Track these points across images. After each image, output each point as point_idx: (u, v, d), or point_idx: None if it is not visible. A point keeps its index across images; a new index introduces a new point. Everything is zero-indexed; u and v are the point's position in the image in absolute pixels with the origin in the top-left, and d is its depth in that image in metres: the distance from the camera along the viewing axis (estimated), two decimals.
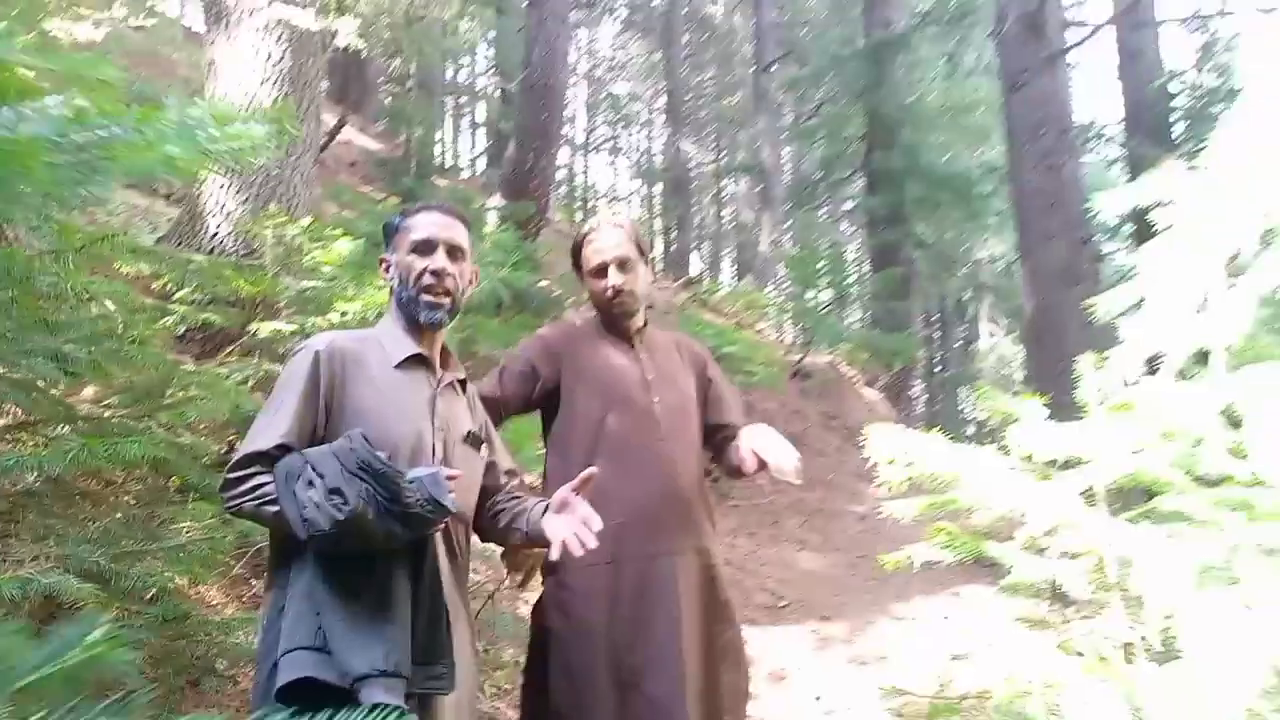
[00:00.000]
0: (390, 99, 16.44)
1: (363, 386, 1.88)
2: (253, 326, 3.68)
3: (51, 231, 2.26)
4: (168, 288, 4.16)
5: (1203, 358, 2.50)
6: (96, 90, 1.05)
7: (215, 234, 5.15)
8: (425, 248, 2.00)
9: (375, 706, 1.44)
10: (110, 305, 2.94)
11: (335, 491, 1.64)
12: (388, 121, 16.45)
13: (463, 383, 2.12)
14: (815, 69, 16.28)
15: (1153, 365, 2.50)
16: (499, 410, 2.45)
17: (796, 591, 6.52)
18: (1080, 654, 2.56)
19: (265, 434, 1.78)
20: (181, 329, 4.07)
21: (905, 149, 13.91)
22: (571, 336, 2.60)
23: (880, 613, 6.28)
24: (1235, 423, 2.45)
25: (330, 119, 13.57)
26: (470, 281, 2.11)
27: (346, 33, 6.83)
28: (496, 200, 11.07)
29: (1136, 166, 13.12)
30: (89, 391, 3.71)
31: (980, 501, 2.53)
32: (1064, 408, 2.77)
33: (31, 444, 2.47)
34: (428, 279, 1.98)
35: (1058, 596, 2.84)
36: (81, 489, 2.60)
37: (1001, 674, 2.40)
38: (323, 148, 12.42)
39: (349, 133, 14.87)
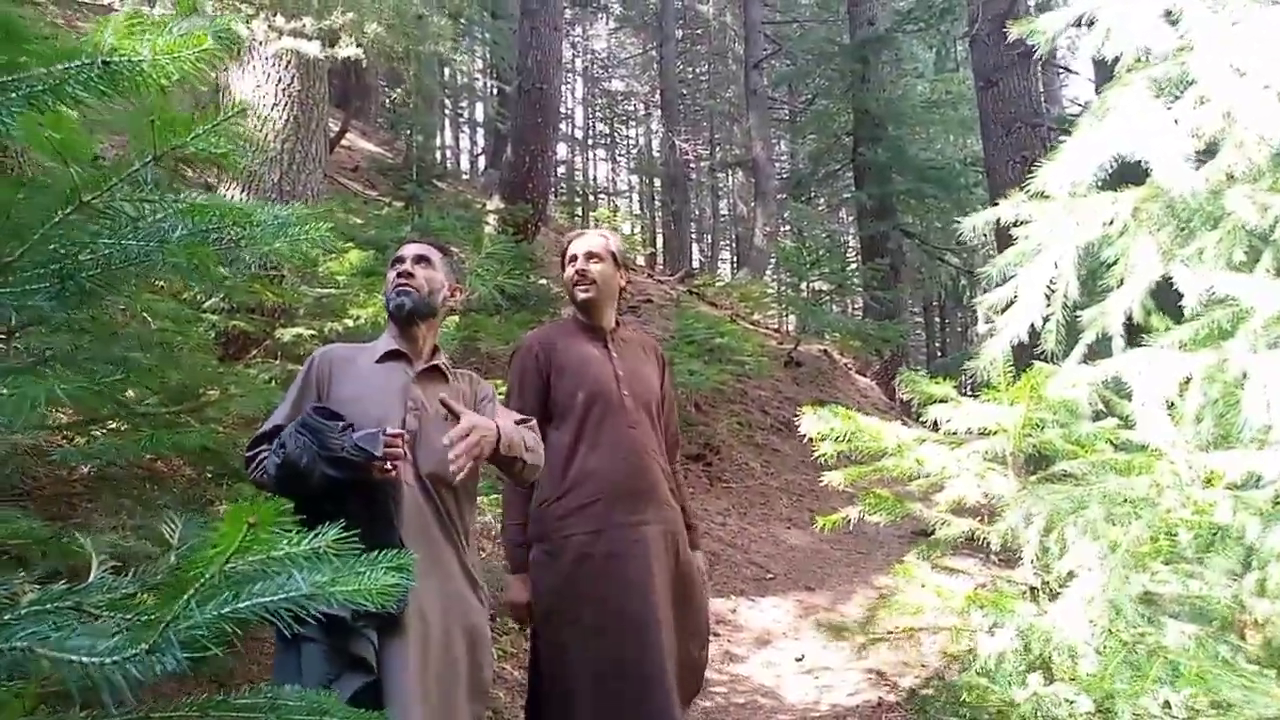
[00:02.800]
0: (390, 103, 16.81)
1: (349, 381, 2.39)
2: (278, 333, 4.13)
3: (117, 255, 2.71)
4: (197, 298, 4.64)
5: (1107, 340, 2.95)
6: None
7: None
8: (397, 262, 2.55)
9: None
10: (168, 321, 3.40)
11: (282, 446, 2.16)
12: (388, 126, 16.84)
13: (449, 374, 2.57)
14: (803, 65, 16.66)
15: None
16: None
17: (783, 566, 6.97)
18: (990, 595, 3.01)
19: (269, 421, 2.36)
20: (211, 335, 4.51)
21: (891, 143, 14.32)
22: (550, 334, 3.00)
23: (862, 583, 6.74)
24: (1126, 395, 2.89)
25: (333, 125, 14.02)
26: (449, 291, 2.59)
27: (346, 45, 7.25)
28: (495, 203, 11.48)
29: None
30: (130, 394, 4.17)
31: (902, 469, 2.98)
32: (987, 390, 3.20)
33: (100, 436, 2.93)
34: (396, 280, 2.50)
35: (986, 551, 3.29)
36: (144, 474, 3.05)
37: (922, 613, 2.86)
38: (327, 153, 12.87)
39: (351, 138, 15.28)
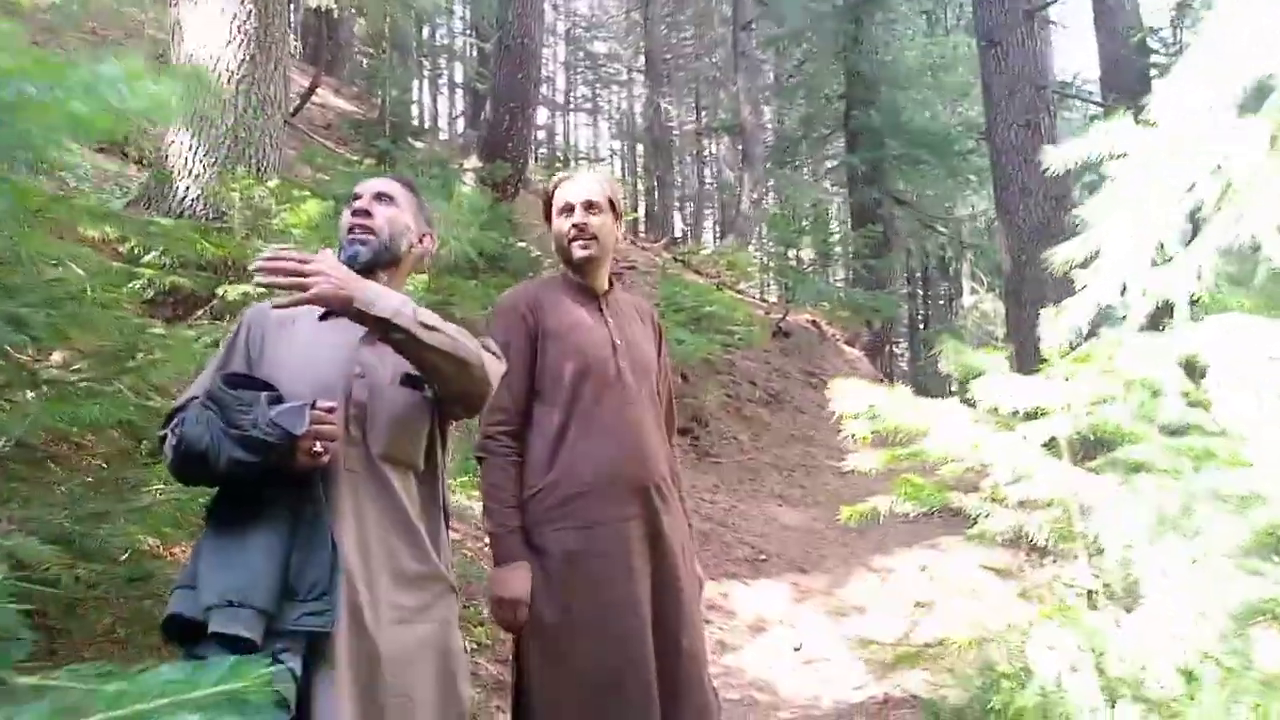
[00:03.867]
0: (365, 63, 16.17)
1: (282, 343, 1.92)
2: (221, 290, 3.65)
3: (6, 194, 2.22)
4: (135, 252, 4.14)
5: (1169, 309, 2.52)
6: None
7: (184, 197, 5.09)
8: (354, 199, 2.08)
9: (214, 636, 1.52)
10: (76, 269, 2.92)
11: (182, 424, 1.74)
12: (364, 84, 16.21)
13: None
14: (794, 28, 16.12)
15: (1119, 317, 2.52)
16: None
17: (776, 546, 6.59)
18: (1042, 601, 2.60)
19: (187, 392, 1.91)
20: (149, 293, 4.02)
21: (884, 106, 13.86)
22: (536, 295, 2.53)
23: (859, 565, 6.37)
24: (1199, 373, 2.48)
25: (305, 82, 13.39)
26: (417, 236, 2.11)
27: None
28: (473, 162, 10.97)
29: None
30: (57, 357, 3.69)
31: (944, 453, 2.56)
32: (1041, 362, 2.79)
33: None
34: (351, 221, 2.03)
35: (1023, 545, 2.88)
36: (49, 453, 2.59)
37: (964, 621, 2.44)
38: (296, 110, 12.25)
39: (324, 95, 14.64)
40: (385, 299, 1.75)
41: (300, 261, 1.70)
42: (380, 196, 2.09)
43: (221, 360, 1.95)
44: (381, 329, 1.76)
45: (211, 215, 5.00)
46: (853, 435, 2.56)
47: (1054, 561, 2.71)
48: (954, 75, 15.51)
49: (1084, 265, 2.16)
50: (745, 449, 8.43)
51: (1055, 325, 2.47)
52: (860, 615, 5.46)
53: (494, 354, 1.97)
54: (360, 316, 1.74)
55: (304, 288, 1.69)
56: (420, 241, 2.15)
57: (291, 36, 18.32)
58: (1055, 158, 2.22)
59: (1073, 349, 2.73)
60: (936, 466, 2.77)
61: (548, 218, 2.61)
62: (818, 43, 15.76)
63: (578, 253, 2.46)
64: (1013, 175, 9.70)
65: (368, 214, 2.04)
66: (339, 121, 13.47)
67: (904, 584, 5.80)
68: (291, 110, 12.13)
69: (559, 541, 2.34)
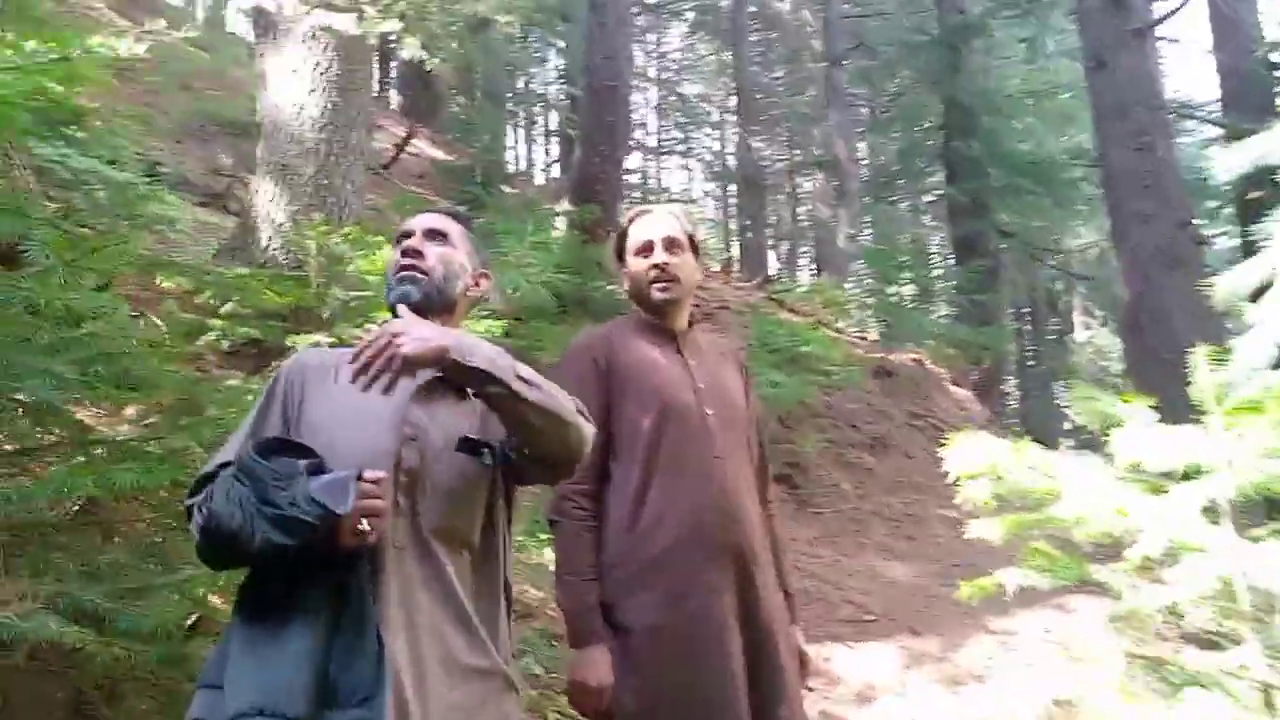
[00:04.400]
0: (460, 109, 16.46)
1: (322, 398, 1.71)
2: (291, 340, 3.52)
3: (45, 248, 2.10)
4: (211, 303, 4.07)
5: None
6: None
7: (267, 246, 5.06)
8: (403, 237, 1.88)
9: None
10: (156, 321, 2.82)
11: (210, 499, 1.54)
12: (458, 135, 16.49)
13: None
14: (888, 59, 15.75)
15: None
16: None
17: (883, 604, 6.14)
18: (1205, 694, 2.19)
19: (219, 456, 1.69)
20: (224, 344, 3.94)
21: (985, 135, 13.32)
22: (608, 338, 2.32)
23: (975, 626, 5.86)
24: None
25: (400, 131, 13.65)
26: (472, 277, 1.89)
27: (410, 45, 6.74)
28: (564, 205, 10.91)
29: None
30: (130, 411, 3.60)
31: (1081, 520, 2.19)
32: (1172, 406, 2.40)
33: (40, 470, 2.33)
34: (400, 261, 1.83)
35: (1173, 624, 2.47)
36: (93, 518, 2.45)
37: None
38: (391, 161, 12.48)
39: (420, 146, 14.92)
40: (480, 348, 1.55)
41: (375, 340, 1.50)
42: (432, 234, 1.87)
43: (255, 420, 1.73)
44: (478, 382, 1.55)
45: (293, 265, 4.95)
46: (972, 499, 2.21)
47: (1217, 647, 2.29)
48: (1056, 101, 14.83)
49: (1257, 296, 1.79)
50: (847, 498, 7.99)
51: (1213, 368, 2.08)
52: (979, 686, 4.98)
53: (584, 415, 1.73)
54: (458, 369, 1.52)
55: (394, 360, 1.48)
56: (476, 284, 1.93)
57: (391, 90, 18.84)
58: (1224, 161, 1.87)
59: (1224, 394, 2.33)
60: (1069, 530, 2.40)
61: (619, 256, 2.40)
62: (913, 74, 15.34)
63: (658, 295, 2.27)
64: (1128, 201, 9.13)
65: (419, 253, 1.82)
66: (432, 170, 13.65)
67: (1027, 650, 5.28)
68: (387, 161, 12.37)
69: (640, 615, 2.09)
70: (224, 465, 1.62)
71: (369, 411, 1.67)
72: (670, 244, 2.28)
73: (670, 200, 28.67)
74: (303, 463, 1.53)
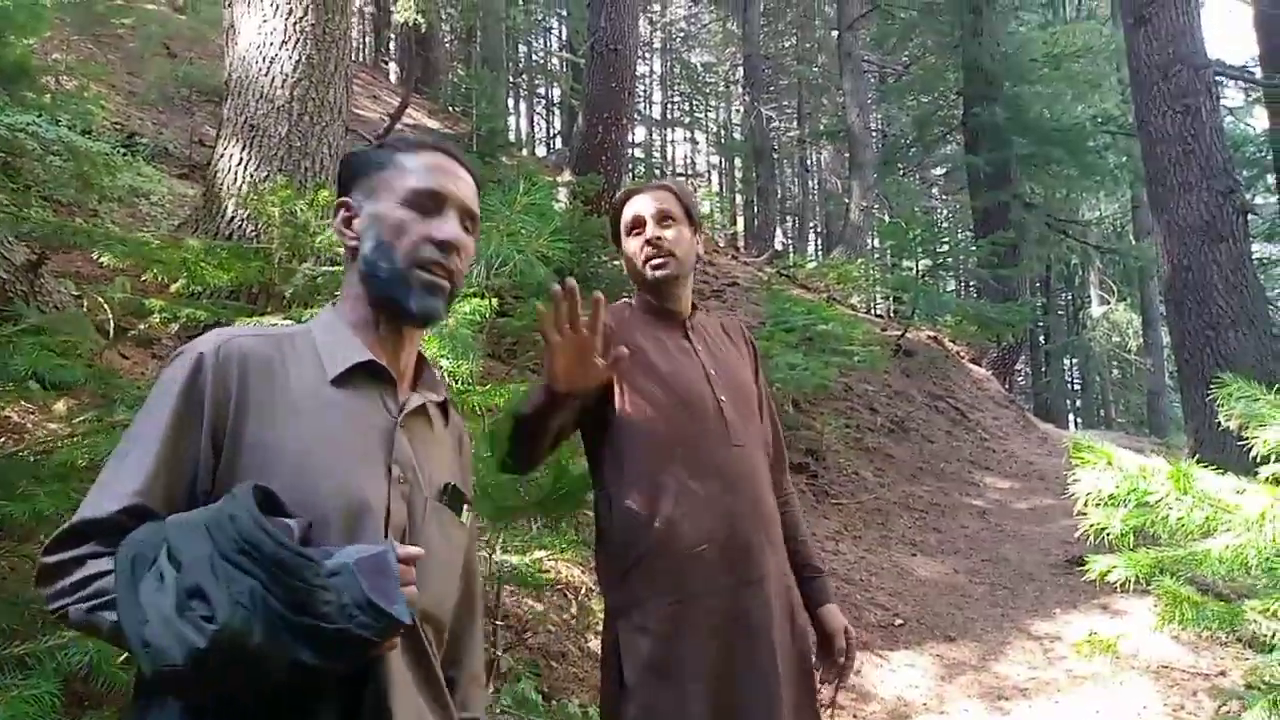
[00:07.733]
0: (456, 78, 15.87)
1: (276, 414, 1.17)
2: (244, 323, 3.00)
3: None
4: (160, 280, 3.55)
5: None
6: None
7: (232, 218, 4.53)
8: (430, 203, 1.31)
9: None
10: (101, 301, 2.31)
11: (196, 594, 0.96)
12: (457, 104, 15.91)
13: (444, 408, 1.38)
14: (905, 22, 15.08)
15: None
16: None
17: (914, 606, 5.64)
18: None
19: (106, 492, 1.11)
20: (175, 327, 3.42)
21: (1008, 101, 12.69)
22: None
23: (1015, 630, 5.38)
24: None
25: (394, 99, 13.07)
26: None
27: (404, 8, 6.17)
28: (565, 176, 10.37)
29: (1277, 110, 11.65)
30: (59, 407, 3.10)
31: (1238, 561, 1.67)
32: (1209, 402, 1.90)
33: None
34: (430, 251, 1.29)
35: None
36: None
37: None
38: (386, 131, 11.92)
39: (416, 116, 14.35)
40: None
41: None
42: (468, 218, 1.35)
43: (171, 435, 1.13)
44: None
45: (262, 236, 4.42)
46: (1095, 528, 1.69)
47: None
48: (1082, 65, 14.16)
49: None
50: (869, 487, 7.48)
51: None
52: (1025, 700, 4.49)
53: None
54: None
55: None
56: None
57: (390, 62, 18.21)
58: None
59: None
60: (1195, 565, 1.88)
61: (615, 239, 2.26)
62: (930, 38, 14.68)
63: (653, 273, 2.12)
64: (1168, 168, 8.54)
65: (453, 247, 1.31)
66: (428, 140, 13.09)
67: (1073, 658, 4.80)
68: (382, 131, 11.81)
69: (665, 616, 1.91)
70: (129, 512, 1.07)
71: (344, 442, 1.19)
72: (662, 217, 2.14)
73: (676, 174, 28.04)
74: (293, 522, 1.05)
